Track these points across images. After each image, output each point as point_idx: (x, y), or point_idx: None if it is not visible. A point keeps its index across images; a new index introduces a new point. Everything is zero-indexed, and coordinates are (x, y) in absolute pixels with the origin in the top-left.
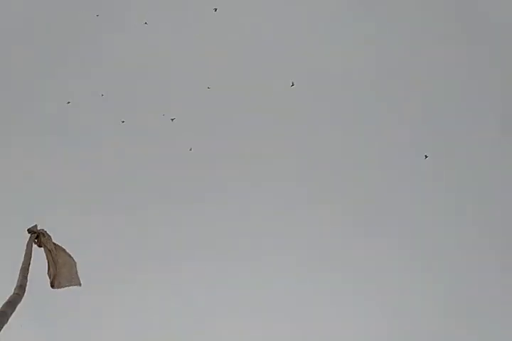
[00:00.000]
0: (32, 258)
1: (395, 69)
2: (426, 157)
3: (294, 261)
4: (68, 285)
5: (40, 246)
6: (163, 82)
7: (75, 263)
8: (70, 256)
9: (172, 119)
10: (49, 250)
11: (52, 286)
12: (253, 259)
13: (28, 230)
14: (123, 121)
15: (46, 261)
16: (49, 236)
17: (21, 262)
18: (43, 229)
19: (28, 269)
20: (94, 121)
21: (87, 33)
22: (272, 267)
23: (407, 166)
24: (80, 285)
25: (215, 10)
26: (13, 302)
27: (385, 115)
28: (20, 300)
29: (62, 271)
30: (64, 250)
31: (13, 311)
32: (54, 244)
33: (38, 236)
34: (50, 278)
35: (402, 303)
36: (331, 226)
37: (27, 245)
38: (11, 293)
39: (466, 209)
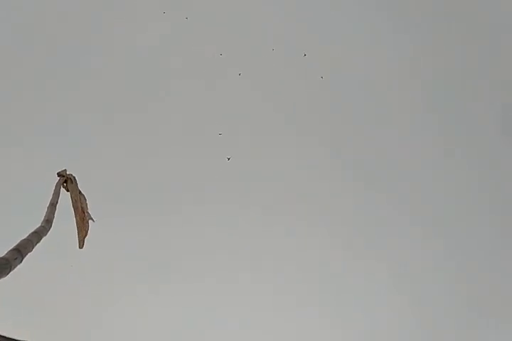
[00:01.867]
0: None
1: (395, 69)
2: None
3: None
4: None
5: (67, 190)
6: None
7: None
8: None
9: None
10: (73, 198)
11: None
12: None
13: (57, 173)
14: None
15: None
16: (76, 182)
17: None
18: (71, 174)
19: (55, 206)
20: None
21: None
22: (275, 277)
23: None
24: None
25: None
26: (39, 233)
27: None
28: (46, 234)
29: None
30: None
31: (38, 241)
32: (80, 192)
33: (66, 180)
34: (78, 234)
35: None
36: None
37: (56, 185)
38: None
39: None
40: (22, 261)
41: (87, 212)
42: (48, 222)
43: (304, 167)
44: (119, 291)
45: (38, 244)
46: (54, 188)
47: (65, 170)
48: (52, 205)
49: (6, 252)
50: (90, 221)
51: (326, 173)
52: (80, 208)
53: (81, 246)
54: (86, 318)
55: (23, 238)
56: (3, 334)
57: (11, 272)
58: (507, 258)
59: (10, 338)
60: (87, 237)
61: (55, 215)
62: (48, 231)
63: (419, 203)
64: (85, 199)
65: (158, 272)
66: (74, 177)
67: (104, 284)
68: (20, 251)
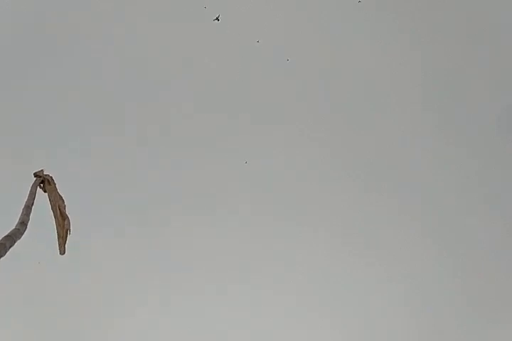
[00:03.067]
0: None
1: (394, 69)
2: None
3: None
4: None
5: (45, 191)
6: None
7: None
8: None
9: None
10: (50, 201)
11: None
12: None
13: (34, 174)
14: None
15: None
16: (54, 183)
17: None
18: (48, 175)
19: (30, 208)
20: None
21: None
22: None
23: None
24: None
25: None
26: (12, 236)
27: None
28: (20, 237)
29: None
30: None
31: (11, 245)
32: (60, 196)
33: (43, 181)
34: (58, 239)
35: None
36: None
37: (31, 186)
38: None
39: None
40: None
41: (66, 215)
42: (23, 224)
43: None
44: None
45: (11, 248)
46: (30, 189)
47: (42, 170)
48: (28, 207)
49: None
50: (72, 225)
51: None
52: (59, 211)
53: (62, 251)
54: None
55: None
56: None
57: None
58: (507, 258)
59: None
60: (67, 242)
61: (30, 218)
62: (22, 234)
63: (419, 203)
64: (63, 202)
65: (161, 276)
66: (51, 178)
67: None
68: None
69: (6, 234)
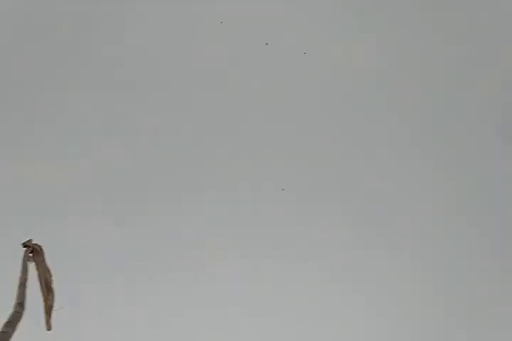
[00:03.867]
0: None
1: (394, 69)
2: None
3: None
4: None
5: (34, 261)
6: None
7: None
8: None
9: None
10: (40, 273)
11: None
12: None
13: (22, 244)
14: None
15: (23, 281)
16: (43, 254)
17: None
18: (37, 244)
19: (25, 285)
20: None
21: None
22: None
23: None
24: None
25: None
26: (13, 322)
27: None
28: (21, 318)
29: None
30: (50, 273)
31: (14, 330)
32: (47, 268)
33: (32, 251)
34: (45, 314)
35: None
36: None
37: (23, 259)
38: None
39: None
40: None
41: (52, 289)
42: (21, 305)
43: None
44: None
45: (14, 333)
46: (22, 263)
47: (31, 239)
48: (22, 285)
49: None
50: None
51: None
52: (45, 285)
53: (48, 327)
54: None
55: None
56: None
57: None
58: (507, 259)
59: None
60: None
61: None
62: (21, 315)
63: (419, 203)
64: (50, 275)
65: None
66: (40, 248)
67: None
68: None
69: (7, 319)
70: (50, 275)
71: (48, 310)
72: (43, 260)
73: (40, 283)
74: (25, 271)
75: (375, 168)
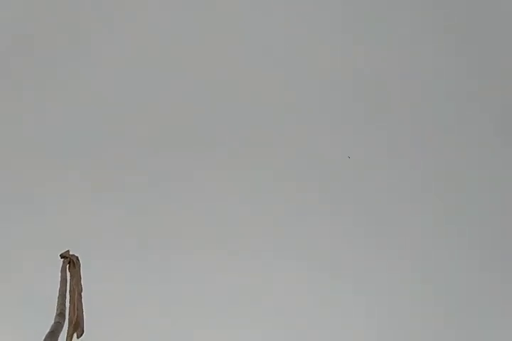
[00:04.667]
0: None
1: (394, 69)
2: None
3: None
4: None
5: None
6: None
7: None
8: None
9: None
10: (72, 285)
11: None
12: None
13: (60, 255)
14: None
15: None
16: (79, 265)
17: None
18: (74, 255)
19: (65, 295)
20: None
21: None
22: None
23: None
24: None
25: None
26: (55, 332)
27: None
28: (62, 328)
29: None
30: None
31: (56, 340)
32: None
33: (69, 262)
34: (71, 322)
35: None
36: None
37: (61, 270)
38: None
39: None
40: None
41: (77, 307)
42: (62, 315)
43: None
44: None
45: None
46: (60, 274)
47: (68, 250)
48: (63, 295)
49: None
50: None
51: None
52: (75, 298)
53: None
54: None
55: None
56: None
57: None
58: (507, 258)
59: None
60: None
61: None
62: (63, 325)
63: (419, 203)
64: (81, 290)
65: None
66: (77, 259)
67: None
68: None
69: (49, 329)
70: (81, 290)
71: (74, 326)
72: (78, 272)
73: (72, 296)
74: (64, 281)
75: (375, 167)
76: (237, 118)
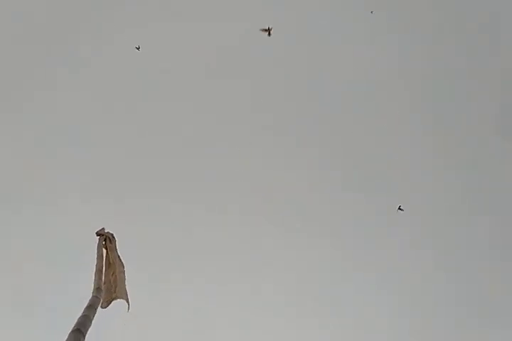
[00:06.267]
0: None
1: (393, 69)
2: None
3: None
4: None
5: (106, 249)
6: None
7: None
8: (123, 268)
9: None
10: (110, 259)
11: (107, 303)
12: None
13: (96, 233)
14: None
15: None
16: (115, 241)
17: (95, 265)
18: (109, 232)
19: (102, 271)
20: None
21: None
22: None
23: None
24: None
25: None
26: (93, 305)
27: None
28: (100, 302)
29: (120, 285)
30: (121, 261)
31: (94, 314)
32: (120, 261)
33: (105, 239)
34: (105, 293)
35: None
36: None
37: (97, 247)
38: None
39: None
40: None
41: (121, 277)
42: (99, 290)
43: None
44: None
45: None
46: (96, 251)
47: (103, 228)
48: (99, 271)
49: (68, 335)
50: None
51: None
52: (113, 271)
53: (104, 305)
54: None
55: (81, 314)
56: None
57: None
58: (507, 259)
59: None
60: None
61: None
62: (100, 299)
63: (418, 204)
64: (123, 267)
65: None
66: (112, 236)
67: None
68: (81, 332)
69: (87, 303)
70: (123, 267)
71: (111, 295)
72: (115, 247)
73: (107, 267)
74: (100, 257)
75: (375, 168)
76: None
